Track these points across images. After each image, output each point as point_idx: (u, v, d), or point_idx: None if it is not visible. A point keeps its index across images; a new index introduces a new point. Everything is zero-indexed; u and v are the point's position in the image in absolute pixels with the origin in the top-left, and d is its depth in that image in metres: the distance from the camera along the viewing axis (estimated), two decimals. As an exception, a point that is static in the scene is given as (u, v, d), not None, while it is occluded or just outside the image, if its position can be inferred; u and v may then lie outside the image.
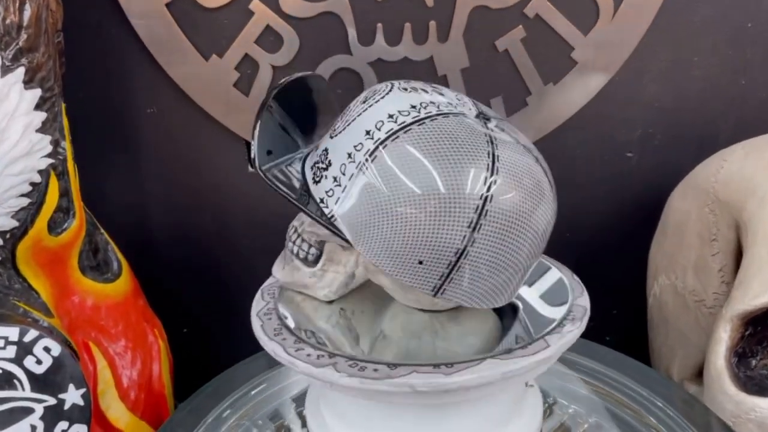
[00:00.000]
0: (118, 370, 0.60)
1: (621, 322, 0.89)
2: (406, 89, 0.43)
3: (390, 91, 0.43)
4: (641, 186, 0.83)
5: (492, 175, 0.39)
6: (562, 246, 0.85)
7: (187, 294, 0.85)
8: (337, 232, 0.41)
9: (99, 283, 0.61)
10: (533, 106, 0.78)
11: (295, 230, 0.46)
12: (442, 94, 0.43)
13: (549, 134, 0.80)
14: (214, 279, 0.85)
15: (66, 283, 0.58)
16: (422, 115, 0.41)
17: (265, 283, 0.53)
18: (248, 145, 0.80)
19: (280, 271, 0.48)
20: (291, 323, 0.46)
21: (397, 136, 0.40)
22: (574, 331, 0.43)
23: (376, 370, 0.40)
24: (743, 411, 0.55)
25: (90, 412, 0.54)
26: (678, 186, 0.73)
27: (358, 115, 0.42)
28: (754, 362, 0.58)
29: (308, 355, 0.42)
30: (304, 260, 0.47)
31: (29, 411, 0.52)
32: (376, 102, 0.43)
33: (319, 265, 0.47)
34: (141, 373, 0.62)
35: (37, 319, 0.54)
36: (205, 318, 0.87)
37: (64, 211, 0.57)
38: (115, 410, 0.60)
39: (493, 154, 0.40)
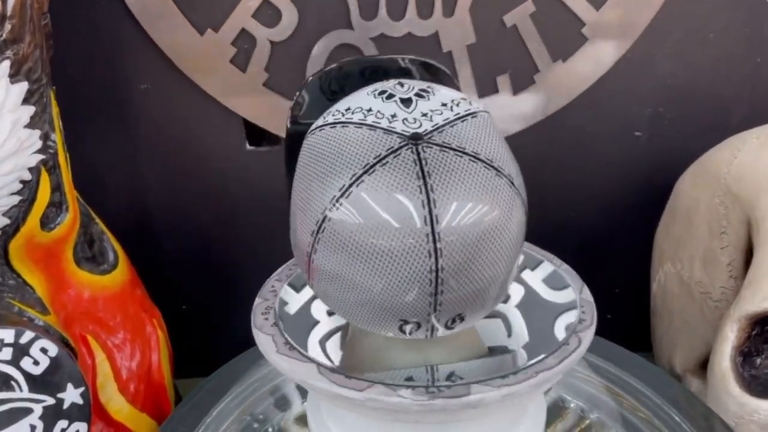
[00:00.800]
0: (117, 362, 0.60)
1: (623, 301, 0.88)
2: (375, 90, 0.40)
3: (364, 89, 0.40)
4: (649, 166, 0.81)
5: (342, 197, 0.36)
6: (567, 223, 0.84)
7: (187, 276, 0.85)
8: None
9: (95, 275, 0.59)
10: (541, 84, 0.76)
11: None
12: (406, 106, 0.40)
13: (556, 112, 0.77)
14: (215, 261, 0.84)
15: (61, 276, 0.57)
16: (340, 120, 0.38)
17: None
18: (246, 122, 0.78)
19: None
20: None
21: (312, 132, 0.39)
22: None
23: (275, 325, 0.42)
24: (746, 413, 0.55)
25: (90, 409, 0.53)
26: (688, 170, 0.71)
27: None
28: (759, 361, 0.57)
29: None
30: None
31: (28, 411, 0.52)
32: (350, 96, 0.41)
33: None
34: (140, 364, 0.61)
35: (32, 318, 0.53)
36: (205, 298, 0.86)
37: (56, 205, 0.55)
38: (116, 403, 0.59)
39: (358, 178, 0.36)
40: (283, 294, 0.48)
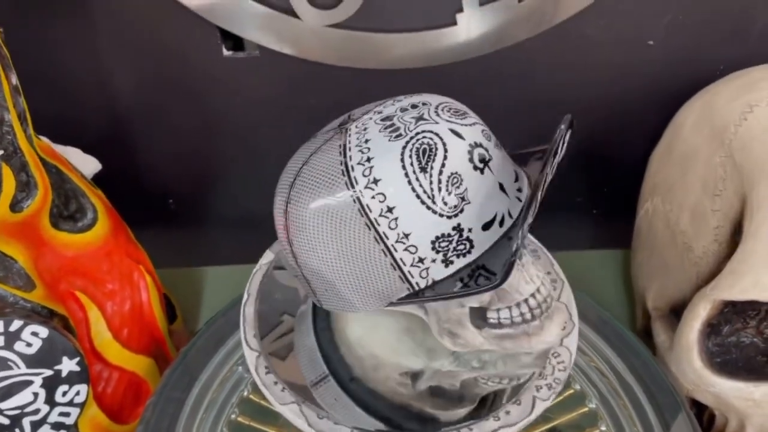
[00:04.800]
0: (108, 311, 0.62)
1: (610, 200, 0.89)
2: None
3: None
4: (660, 79, 0.76)
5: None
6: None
7: (170, 173, 0.83)
8: None
9: (75, 234, 0.59)
10: (551, -10, 0.68)
11: None
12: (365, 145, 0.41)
13: (566, 20, 0.70)
14: (196, 157, 0.83)
15: (40, 242, 0.56)
16: None
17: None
18: (221, 30, 0.71)
19: None
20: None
21: None
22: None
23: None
24: (703, 383, 0.59)
25: (87, 374, 0.57)
26: (693, 107, 0.67)
27: None
28: (726, 329, 0.60)
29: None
30: None
31: (28, 383, 0.55)
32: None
33: None
34: (131, 309, 0.63)
35: (17, 300, 0.54)
36: (190, 192, 0.86)
37: (24, 185, 0.52)
38: (111, 348, 0.62)
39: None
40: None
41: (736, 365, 0.59)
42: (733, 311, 0.59)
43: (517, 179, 0.43)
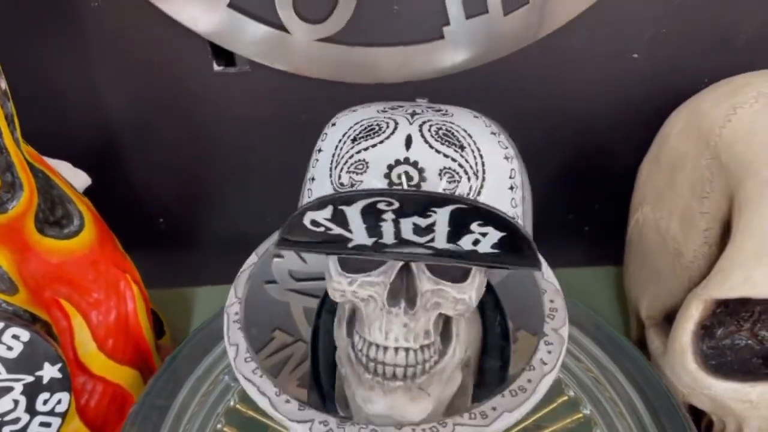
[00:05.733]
0: (93, 320, 0.61)
1: (601, 216, 0.89)
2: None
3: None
4: (646, 92, 0.77)
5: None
6: (558, 137, 0.81)
7: (161, 191, 0.83)
8: None
9: (61, 240, 0.58)
10: (534, 4, 0.69)
11: None
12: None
13: (551, 34, 0.71)
14: (187, 175, 0.82)
15: (25, 247, 0.56)
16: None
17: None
18: (212, 45, 0.72)
19: None
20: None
21: None
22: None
23: None
24: (698, 386, 0.58)
25: (69, 381, 0.55)
26: (679, 115, 0.67)
27: None
28: (720, 332, 0.59)
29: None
30: None
31: (9, 390, 0.54)
32: None
33: None
34: (116, 319, 0.62)
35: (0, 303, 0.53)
36: (181, 211, 0.85)
37: (9, 186, 0.52)
38: (95, 358, 0.61)
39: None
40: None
41: (731, 368, 0.58)
42: (726, 312, 0.59)
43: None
